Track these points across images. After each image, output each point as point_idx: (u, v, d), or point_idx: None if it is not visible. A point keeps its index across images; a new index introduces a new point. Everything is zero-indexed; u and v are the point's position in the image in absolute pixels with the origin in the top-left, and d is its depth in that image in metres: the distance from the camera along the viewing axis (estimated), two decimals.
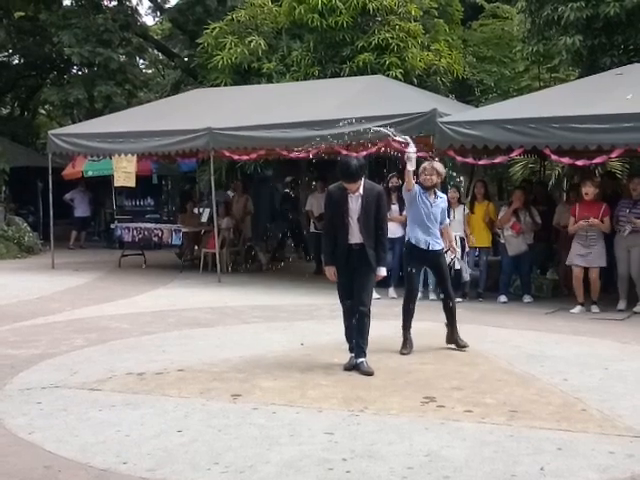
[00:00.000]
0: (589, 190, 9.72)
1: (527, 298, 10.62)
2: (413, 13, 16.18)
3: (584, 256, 9.73)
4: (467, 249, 10.74)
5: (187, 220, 15.08)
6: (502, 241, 10.80)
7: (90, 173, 18.69)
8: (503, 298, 10.64)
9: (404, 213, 11.06)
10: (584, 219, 9.64)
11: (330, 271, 6.60)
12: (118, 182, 14.30)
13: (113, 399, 5.62)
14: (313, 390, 5.84)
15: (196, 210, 15.32)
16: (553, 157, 10.05)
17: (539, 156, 12.74)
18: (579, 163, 9.89)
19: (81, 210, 19.54)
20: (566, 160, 9.97)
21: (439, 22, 17.97)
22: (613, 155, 9.59)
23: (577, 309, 9.74)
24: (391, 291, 10.91)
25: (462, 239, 10.72)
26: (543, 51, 15.41)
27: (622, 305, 9.78)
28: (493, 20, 20.84)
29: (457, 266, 10.64)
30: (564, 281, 10.99)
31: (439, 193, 7.54)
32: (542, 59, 16.64)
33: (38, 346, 7.48)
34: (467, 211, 10.89)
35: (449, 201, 10.65)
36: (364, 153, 11.17)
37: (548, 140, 9.53)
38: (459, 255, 10.60)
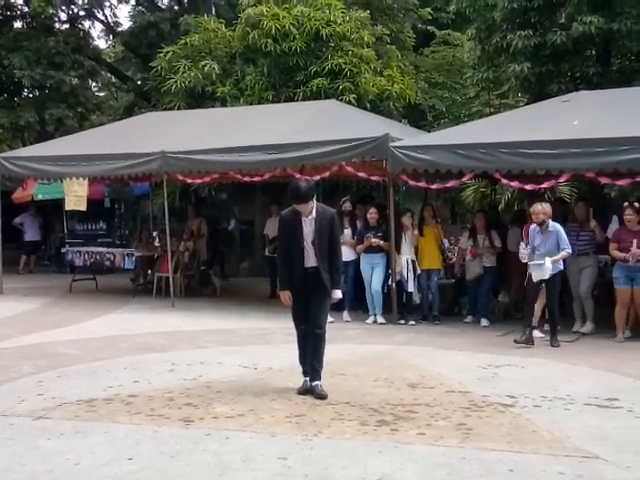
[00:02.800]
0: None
1: (484, 322, 10.69)
2: (366, 39, 16.40)
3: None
4: (418, 271, 10.84)
5: (143, 247, 14.97)
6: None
7: (40, 197, 18.42)
8: (468, 319, 10.89)
9: (356, 237, 11.16)
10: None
11: (285, 296, 6.59)
12: (69, 206, 14.13)
13: (62, 427, 5.51)
14: (267, 414, 5.80)
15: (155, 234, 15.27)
16: (503, 181, 10.24)
17: (490, 180, 12.95)
18: (528, 187, 10.07)
19: (31, 234, 19.20)
20: (515, 184, 10.17)
21: (391, 48, 18.26)
22: (561, 180, 9.80)
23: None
24: (345, 314, 10.92)
25: (413, 262, 10.83)
26: (493, 78, 15.76)
27: (577, 327, 9.95)
28: (444, 47, 21.28)
29: (410, 289, 10.76)
30: (515, 304, 11.19)
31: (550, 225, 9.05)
32: (492, 85, 17.01)
33: None
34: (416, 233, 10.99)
35: (403, 225, 10.81)
36: (317, 177, 11.24)
37: (498, 165, 9.72)
38: (408, 277, 10.74)
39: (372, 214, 10.94)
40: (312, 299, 6.47)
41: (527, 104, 14.56)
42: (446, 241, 11.97)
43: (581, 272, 9.97)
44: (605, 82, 13.36)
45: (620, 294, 9.35)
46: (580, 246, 9.91)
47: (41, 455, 4.90)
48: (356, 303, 11.26)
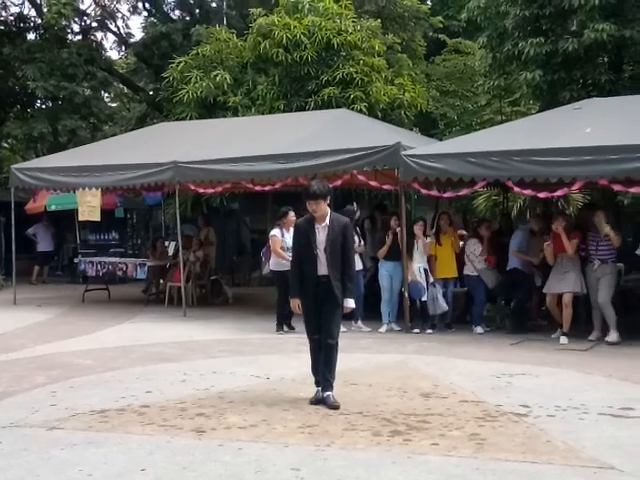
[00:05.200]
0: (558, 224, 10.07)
1: (479, 329, 10.71)
2: (377, 48, 16.44)
3: (559, 281, 9.95)
4: (432, 280, 10.80)
5: (157, 257, 15.02)
6: (474, 274, 10.87)
7: (53, 207, 18.48)
8: (480, 329, 10.71)
9: (362, 244, 11.11)
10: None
11: (294, 303, 6.60)
12: (83, 216, 14.18)
13: (75, 437, 5.51)
14: (279, 425, 5.79)
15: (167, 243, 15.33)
16: (515, 189, 10.20)
17: (502, 188, 12.91)
18: (541, 195, 10.06)
19: (44, 245, 19.27)
20: (528, 192, 10.15)
21: (402, 57, 18.29)
22: (574, 188, 9.76)
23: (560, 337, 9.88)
24: (360, 323, 10.87)
25: (426, 270, 10.79)
26: (504, 85, 15.77)
27: (595, 335, 9.82)
28: (455, 55, 21.30)
29: (424, 298, 10.71)
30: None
31: None
32: (503, 93, 17.02)
33: None
34: (430, 241, 10.93)
35: (415, 234, 10.78)
36: (330, 186, 11.22)
37: (510, 173, 9.67)
38: (424, 286, 10.71)
39: (395, 221, 10.90)
40: (324, 309, 6.46)
41: (539, 112, 14.53)
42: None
43: (599, 280, 9.81)
44: (617, 89, 13.33)
45: None
46: (599, 255, 9.83)
47: (54, 466, 4.90)
48: (366, 312, 11.21)
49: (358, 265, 10.82)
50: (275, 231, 10.69)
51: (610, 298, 9.83)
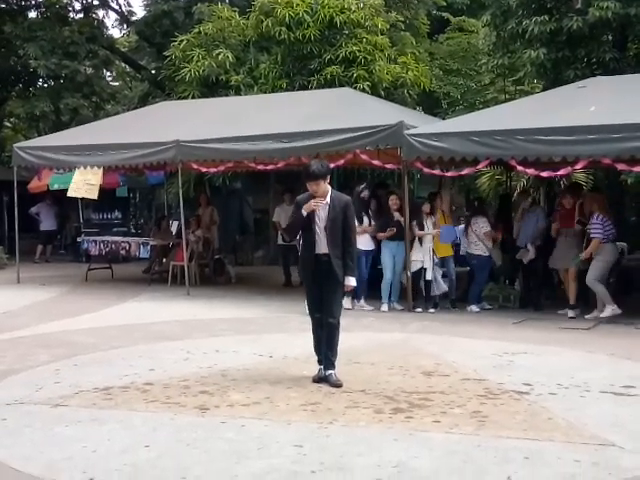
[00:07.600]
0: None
1: (475, 308, 10.74)
2: (380, 26, 16.33)
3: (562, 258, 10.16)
4: (436, 260, 10.81)
5: (161, 236, 15.04)
6: (485, 254, 10.85)
7: (56, 186, 18.44)
8: (476, 308, 10.73)
9: (372, 224, 11.10)
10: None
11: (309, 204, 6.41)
12: (79, 193, 14.11)
13: (79, 414, 5.55)
14: (282, 402, 5.82)
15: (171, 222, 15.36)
16: (519, 168, 10.20)
17: (505, 167, 12.88)
18: (544, 174, 10.04)
19: (47, 224, 19.32)
20: (531, 171, 10.15)
21: (406, 35, 18.17)
22: (578, 167, 9.75)
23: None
24: (362, 302, 10.90)
25: (433, 250, 10.79)
26: (508, 64, 15.67)
27: (593, 315, 9.82)
28: (459, 33, 21.15)
29: (429, 277, 10.72)
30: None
31: None
32: (507, 72, 16.90)
33: (3, 362, 7.36)
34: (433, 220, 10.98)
35: (424, 214, 10.81)
36: (332, 165, 11.20)
37: (513, 152, 9.64)
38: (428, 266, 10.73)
39: (393, 200, 10.91)
40: (325, 288, 6.46)
41: (543, 90, 14.45)
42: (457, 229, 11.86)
43: (592, 261, 9.78)
44: (622, 68, 13.25)
45: None
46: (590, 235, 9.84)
47: (58, 442, 4.94)
48: (372, 290, 11.23)
49: (369, 245, 10.87)
50: None
51: (596, 279, 9.70)
